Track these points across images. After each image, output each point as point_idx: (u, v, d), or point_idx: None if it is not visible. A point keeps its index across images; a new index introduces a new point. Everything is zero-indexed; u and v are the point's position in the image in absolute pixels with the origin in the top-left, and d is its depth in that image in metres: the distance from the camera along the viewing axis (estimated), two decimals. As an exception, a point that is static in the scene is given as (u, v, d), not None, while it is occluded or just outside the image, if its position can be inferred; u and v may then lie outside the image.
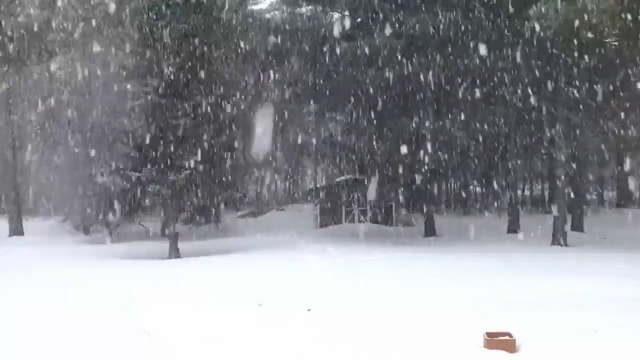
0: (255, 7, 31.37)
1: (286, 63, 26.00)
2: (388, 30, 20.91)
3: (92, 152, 19.32)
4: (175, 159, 17.69)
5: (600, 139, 22.06)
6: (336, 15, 27.14)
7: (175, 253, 18.21)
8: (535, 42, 19.17)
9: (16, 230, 25.09)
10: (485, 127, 22.38)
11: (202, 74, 18.24)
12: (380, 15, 21.80)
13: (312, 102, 26.51)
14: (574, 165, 23.00)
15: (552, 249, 19.19)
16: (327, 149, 28.87)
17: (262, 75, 26.66)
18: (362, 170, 28.13)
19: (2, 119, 24.85)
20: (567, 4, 16.64)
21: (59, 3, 22.57)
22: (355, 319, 8.25)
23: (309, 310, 8.85)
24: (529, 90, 21.07)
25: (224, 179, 18.60)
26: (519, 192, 33.08)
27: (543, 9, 16.93)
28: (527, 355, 6.41)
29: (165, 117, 17.67)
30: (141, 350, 6.78)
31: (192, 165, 17.59)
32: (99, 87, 21.50)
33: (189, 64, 17.97)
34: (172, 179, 17.54)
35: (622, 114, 20.39)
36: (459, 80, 21.24)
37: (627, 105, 20.34)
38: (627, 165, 26.25)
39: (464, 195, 36.42)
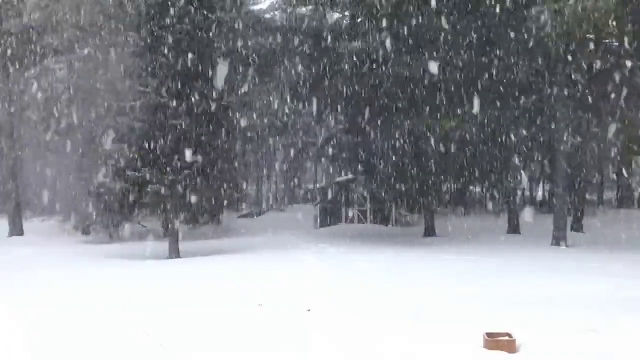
0: (255, 7, 31.34)
1: (286, 63, 25.99)
2: (388, 30, 20.89)
3: (92, 153, 19.33)
4: (175, 159, 17.68)
5: (600, 139, 22.05)
6: (336, 15, 27.12)
7: (175, 253, 18.21)
8: (535, 42, 19.16)
9: (16, 230, 25.10)
10: (485, 126, 22.36)
11: (202, 74, 18.23)
12: (380, 16, 21.77)
13: (312, 102, 26.48)
14: (574, 166, 23.00)
15: (552, 249, 19.20)
16: (327, 149, 28.87)
17: (262, 75, 26.64)
18: (362, 170, 28.10)
19: (3, 118, 24.86)
20: (568, 4, 16.63)
21: (60, 4, 22.60)
22: (355, 319, 8.25)
23: (309, 310, 8.85)
24: (529, 90, 21.08)
25: (223, 179, 18.59)
26: (519, 192, 33.01)
27: (544, 9, 16.93)
28: (527, 355, 6.42)
29: (165, 117, 17.66)
30: (141, 350, 6.78)
31: (191, 165, 17.59)
32: (99, 87, 21.53)
33: (189, 63, 17.97)
34: (172, 179, 17.54)
35: (623, 114, 20.37)
36: (459, 80, 21.20)
37: (628, 105, 20.31)
38: (628, 166, 26.24)
39: (464, 194, 36.40)
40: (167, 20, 18.02)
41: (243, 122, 21.25)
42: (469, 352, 6.51)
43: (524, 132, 23.16)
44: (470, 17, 20.46)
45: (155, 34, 18.08)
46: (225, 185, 18.62)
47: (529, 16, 18.27)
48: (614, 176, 37.10)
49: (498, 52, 20.86)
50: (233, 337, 7.33)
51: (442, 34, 20.44)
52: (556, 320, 7.91)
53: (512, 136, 23.03)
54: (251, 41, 25.27)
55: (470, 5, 20.67)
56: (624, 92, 19.04)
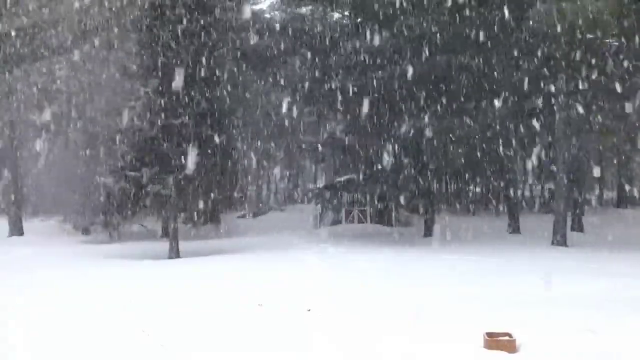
0: (255, 7, 31.35)
1: (286, 63, 26.00)
2: (388, 31, 20.91)
3: (92, 152, 19.34)
4: (175, 159, 17.69)
5: (600, 138, 22.07)
6: (336, 15, 27.12)
7: (175, 253, 18.21)
8: (536, 41, 19.19)
9: (16, 230, 25.09)
10: (485, 126, 22.38)
11: (202, 74, 18.24)
12: (381, 16, 21.79)
13: (312, 102, 26.50)
14: (574, 166, 23.00)
15: (552, 249, 19.21)
16: (327, 149, 28.87)
17: (262, 75, 26.64)
18: (362, 170, 28.09)
19: (3, 119, 24.87)
20: (568, 4, 16.64)
21: (60, 3, 22.57)
22: (355, 319, 8.25)
23: (309, 310, 8.85)
24: (529, 90, 21.07)
25: (223, 179, 18.59)
26: (519, 192, 33.04)
27: (542, 9, 16.94)
28: (527, 355, 6.41)
29: (165, 116, 17.67)
30: (141, 350, 6.78)
31: (191, 165, 17.58)
32: (99, 87, 21.53)
33: (189, 63, 17.97)
34: (172, 179, 17.54)
35: (623, 113, 20.37)
36: (459, 80, 21.22)
37: (629, 104, 20.31)
38: (628, 165, 26.25)
39: (464, 195, 36.42)
40: (168, 20, 18.01)
41: (243, 122, 21.27)
42: (469, 352, 6.51)
43: (524, 132, 23.19)
44: (470, 16, 20.46)
45: (155, 33, 18.08)
46: (225, 186, 18.63)
47: (530, 15, 18.28)
48: (614, 176, 37.17)
49: (498, 52, 20.87)
50: (233, 337, 7.33)
51: (442, 35, 20.45)
52: (556, 320, 7.91)
53: (512, 136, 23.06)
54: (251, 41, 25.26)
55: (470, 4, 20.67)
56: (624, 92, 19.04)
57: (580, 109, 20.33)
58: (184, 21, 18.09)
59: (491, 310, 8.64)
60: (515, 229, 24.77)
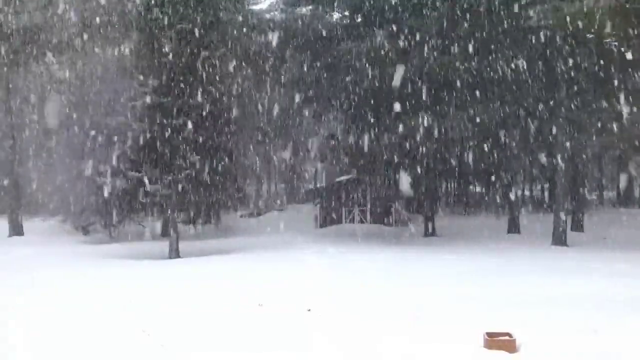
0: (255, 7, 31.35)
1: (286, 63, 26.00)
2: (388, 30, 20.92)
3: (92, 153, 19.34)
4: (174, 159, 17.69)
5: (600, 138, 22.04)
6: (336, 15, 27.12)
7: (175, 253, 18.21)
8: (535, 42, 19.19)
9: (16, 230, 25.09)
10: (485, 126, 22.39)
11: (202, 74, 18.24)
12: (380, 15, 21.80)
13: (312, 101, 26.49)
14: (574, 165, 23.00)
15: (552, 249, 19.20)
16: (327, 148, 28.88)
17: (262, 75, 26.61)
18: (362, 170, 28.08)
19: (3, 118, 24.86)
20: (568, 4, 16.65)
21: (60, 3, 22.61)
22: (355, 319, 8.25)
23: (309, 310, 8.85)
24: (530, 90, 21.08)
25: (223, 179, 18.59)
26: (519, 192, 33.03)
27: (542, 9, 16.95)
28: (527, 355, 6.41)
29: (165, 117, 17.67)
30: (141, 350, 6.78)
31: (191, 165, 17.59)
32: (98, 87, 21.53)
33: (189, 64, 17.97)
34: (172, 179, 17.54)
35: (623, 114, 20.35)
36: (459, 80, 21.21)
37: (627, 105, 20.30)
38: (628, 165, 26.23)
39: (464, 195, 36.39)
40: (167, 20, 18.02)
41: (243, 122, 21.26)
42: (469, 352, 6.51)
43: (524, 132, 23.18)
44: (470, 16, 20.46)
45: (155, 33, 18.08)
46: (225, 185, 18.62)
47: (529, 16, 18.29)
48: (614, 176, 37.16)
49: (498, 52, 20.85)
50: (233, 337, 7.33)
51: (442, 34, 20.46)
52: (556, 320, 7.91)
53: (512, 136, 23.05)
54: (251, 41, 25.26)
55: (470, 4, 20.67)
56: (625, 91, 19.03)
57: (581, 109, 20.36)
58: (184, 21, 18.08)
59: (491, 310, 8.64)
60: (515, 229, 24.77)
